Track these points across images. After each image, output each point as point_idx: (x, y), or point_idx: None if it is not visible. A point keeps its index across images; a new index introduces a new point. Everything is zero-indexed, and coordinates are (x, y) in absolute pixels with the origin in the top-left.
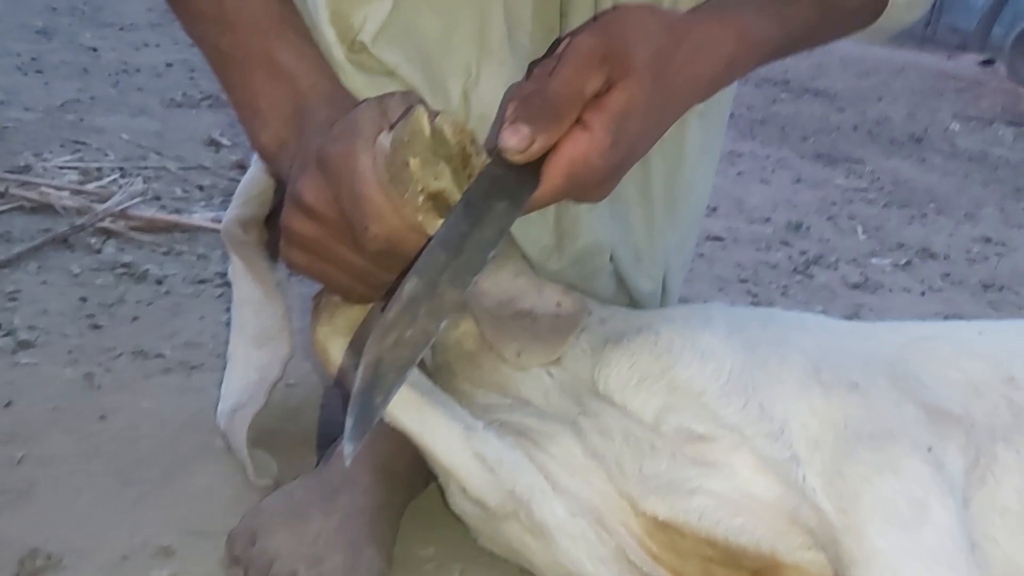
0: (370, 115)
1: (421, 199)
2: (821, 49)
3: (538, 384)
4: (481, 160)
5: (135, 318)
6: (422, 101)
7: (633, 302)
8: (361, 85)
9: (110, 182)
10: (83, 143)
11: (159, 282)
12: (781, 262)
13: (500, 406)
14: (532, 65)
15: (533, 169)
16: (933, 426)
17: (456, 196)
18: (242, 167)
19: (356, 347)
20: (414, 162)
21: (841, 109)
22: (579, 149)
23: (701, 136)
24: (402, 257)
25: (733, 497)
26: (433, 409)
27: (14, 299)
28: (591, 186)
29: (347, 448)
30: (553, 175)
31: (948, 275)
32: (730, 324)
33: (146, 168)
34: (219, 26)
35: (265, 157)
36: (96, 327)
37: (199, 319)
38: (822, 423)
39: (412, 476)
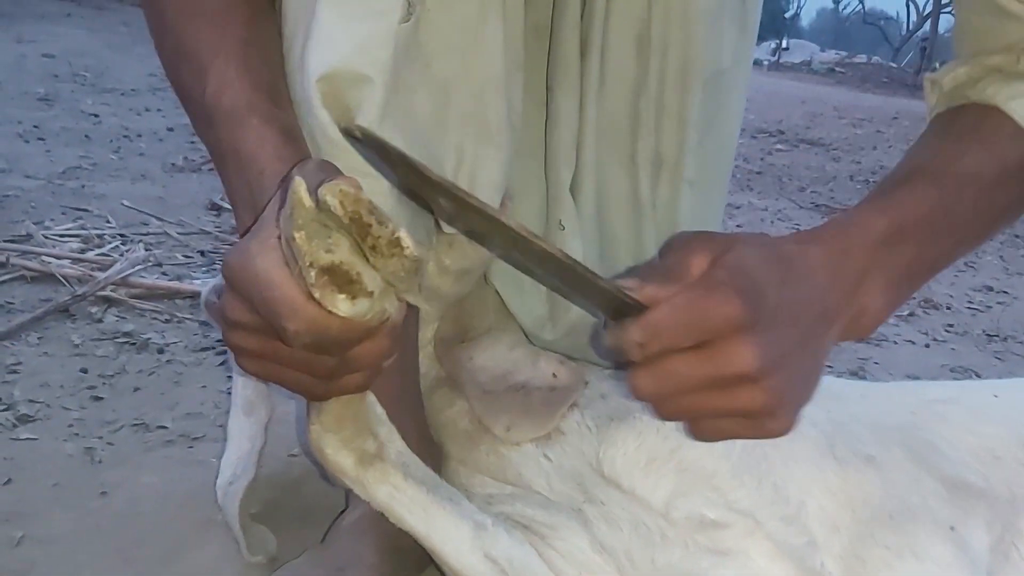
0: (273, 207)
1: (314, 274)
2: (813, 98)
3: (537, 468)
4: (386, 230)
5: (136, 388)
6: (326, 171)
7: None
8: (359, 164)
9: (111, 249)
10: (84, 210)
11: (160, 351)
12: None
13: (501, 496)
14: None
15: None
16: (954, 501)
17: (357, 268)
18: None
19: (352, 447)
20: (299, 236)
21: (837, 159)
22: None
23: (694, 204)
24: (332, 343)
25: None
26: (440, 508)
27: (14, 371)
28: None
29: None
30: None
31: (952, 326)
32: None
33: (147, 234)
34: (205, 122)
35: None
36: (97, 399)
37: (201, 388)
38: (839, 503)
39: (419, 553)
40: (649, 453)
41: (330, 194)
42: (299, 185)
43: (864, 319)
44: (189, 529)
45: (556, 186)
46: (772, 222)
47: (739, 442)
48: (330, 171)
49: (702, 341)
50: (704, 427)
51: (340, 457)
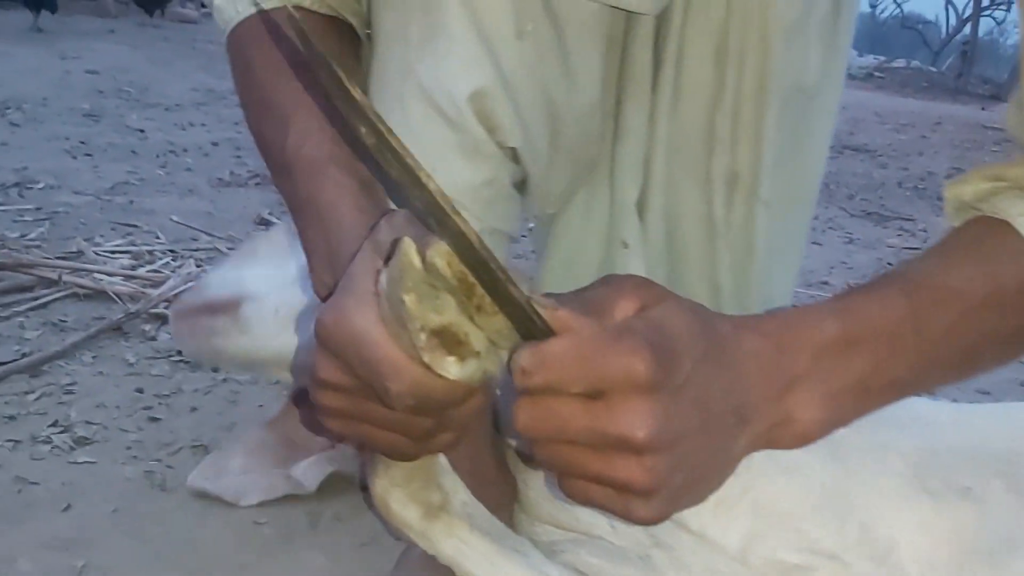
0: (363, 261)
1: (424, 338)
2: (854, 104)
3: (599, 516)
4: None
5: (193, 408)
6: (416, 225)
7: None
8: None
9: (162, 265)
10: (134, 226)
11: (215, 369)
12: None
13: (564, 543)
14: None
15: None
16: None
17: (464, 328)
18: None
19: (419, 500)
20: (409, 299)
21: (884, 165)
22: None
23: (771, 226)
24: (435, 405)
25: None
26: (507, 560)
27: (70, 392)
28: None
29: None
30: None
31: None
32: None
33: (197, 250)
34: (283, 172)
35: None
36: (154, 419)
37: (258, 408)
38: (934, 540)
39: None
40: (718, 493)
41: (439, 256)
42: (409, 247)
43: (791, 429)
44: (253, 555)
45: (621, 203)
46: (824, 231)
47: (819, 478)
48: (403, 229)
49: (595, 390)
50: (570, 485)
51: (407, 512)
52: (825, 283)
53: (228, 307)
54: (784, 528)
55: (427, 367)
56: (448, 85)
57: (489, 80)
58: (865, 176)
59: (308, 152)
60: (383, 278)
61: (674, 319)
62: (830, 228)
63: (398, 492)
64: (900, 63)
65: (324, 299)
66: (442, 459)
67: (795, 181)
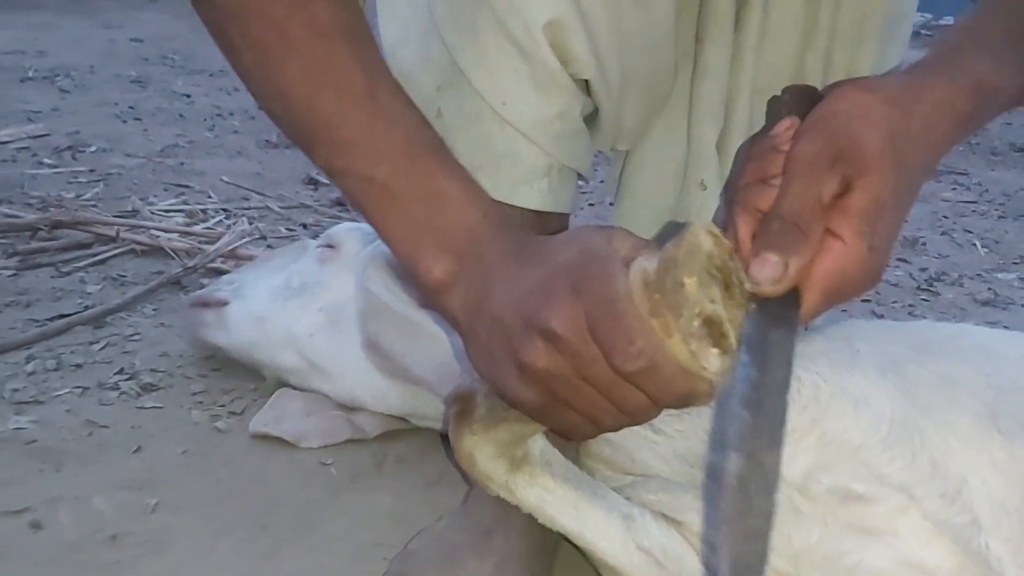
0: (622, 237)
1: (697, 324)
2: (904, 62)
3: (651, 451)
4: (741, 277)
5: None
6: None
7: None
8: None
9: (216, 223)
10: (186, 186)
11: None
12: (902, 280)
13: (622, 486)
14: (742, 148)
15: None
16: None
17: (728, 321)
18: (341, 204)
19: (507, 455)
20: (690, 282)
21: None
22: (834, 262)
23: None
24: (655, 384)
25: (900, 572)
26: (589, 504)
27: (133, 342)
28: (852, 292)
29: None
30: (812, 293)
31: None
32: (880, 358)
33: (249, 208)
34: (372, 156)
35: (432, 291)
36: (216, 370)
37: None
38: (1007, 480)
39: None
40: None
41: (710, 237)
42: (699, 229)
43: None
44: (321, 495)
45: (700, 143)
46: None
47: (889, 412)
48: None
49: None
50: None
51: (493, 465)
52: None
53: (217, 304)
54: (852, 460)
55: (687, 358)
56: (523, 14)
57: (564, 10)
58: None
59: (409, 136)
60: (645, 261)
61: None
62: None
63: (488, 448)
64: (948, 21)
65: (448, 287)
66: None
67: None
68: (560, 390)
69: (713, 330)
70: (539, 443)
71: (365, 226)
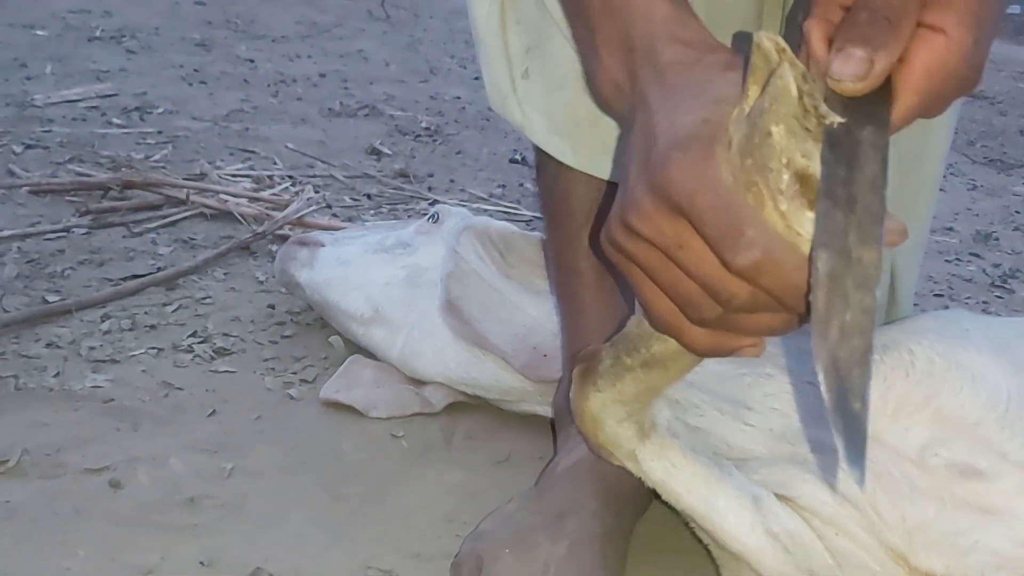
0: (729, 96)
1: (786, 178)
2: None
3: (745, 436)
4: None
5: (324, 326)
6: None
7: None
8: None
9: (282, 190)
10: (252, 151)
11: None
12: (975, 275)
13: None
14: None
15: (883, 87)
16: None
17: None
18: (405, 176)
19: (635, 419)
20: (777, 131)
21: (1003, 113)
22: (935, 56)
23: (946, 122)
24: (773, 277)
25: (1020, 554)
26: (719, 483)
27: (205, 305)
28: (955, 93)
29: (855, 474)
30: (909, 93)
31: None
32: (991, 339)
33: (314, 176)
34: None
35: (604, 106)
36: (287, 336)
37: None
38: None
39: (637, 499)
40: (899, 400)
41: (795, 75)
42: (788, 72)
43: None
44: (393, 467)
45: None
46: (946, 176)
47: (1006, 389)
48: (778, 53)
49: None
50: None
51: (621, 430)
52: (950, 229)
53: (314, 244)
54: (970, 436)
55: (781, 222)
56: None
57: None
58: (984, 123)
59: None
60: (743, 114)
61: None
62: (952, 175)
63: (618, 409)
64: (1015, 9)
65: (608, 98)
66: None
67: None
68: (651, 270)
69: (807, 189)
70: (665, 414)
71: (467, 211)
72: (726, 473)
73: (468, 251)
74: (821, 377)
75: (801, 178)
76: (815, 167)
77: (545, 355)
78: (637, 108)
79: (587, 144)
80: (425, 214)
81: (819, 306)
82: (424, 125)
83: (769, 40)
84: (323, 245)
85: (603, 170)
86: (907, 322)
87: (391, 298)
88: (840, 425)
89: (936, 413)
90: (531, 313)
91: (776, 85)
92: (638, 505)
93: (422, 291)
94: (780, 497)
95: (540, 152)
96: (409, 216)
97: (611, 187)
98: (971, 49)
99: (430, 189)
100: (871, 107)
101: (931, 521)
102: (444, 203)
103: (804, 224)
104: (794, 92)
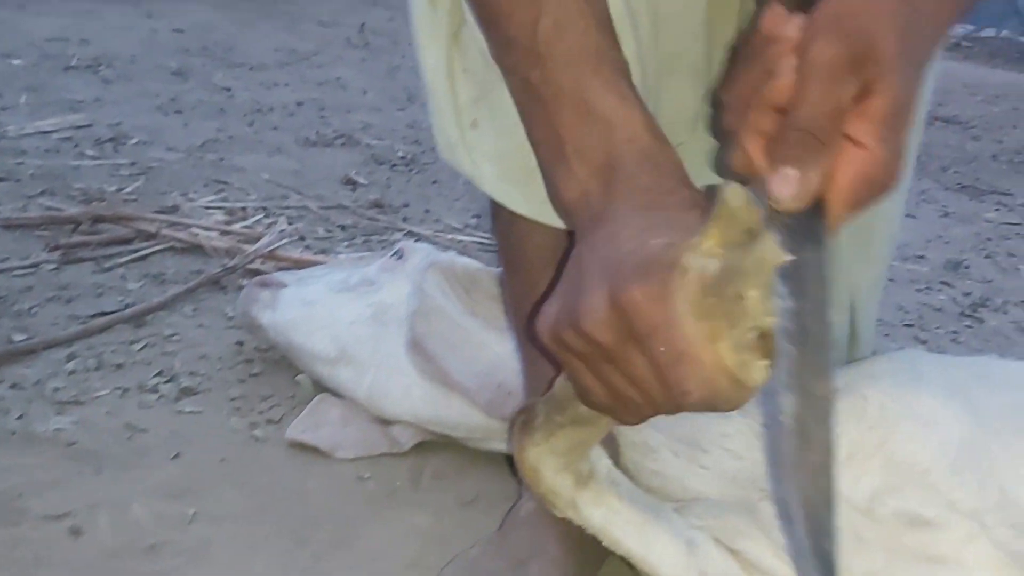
0: (680, 224)
1: (752, 336)
2: (941, 73)
3: (700, 479)
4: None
5: (292, 364)
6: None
7: None
8: None
9: (255, 222)
10: (225, 182)
11: None
12: (945, 305)
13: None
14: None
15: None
16: None
17: (775, 335)
18: (379, 206)
19: (572, 469)
20: (752, 296)
21: (976, 138)
22: (858, 169)
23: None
24: (711, 406)
25: None
26: (655, 527)
27: (174, 341)
28: (876, 199)
29: None
30: (838, 205)
31: None
32: (946, 383)
33: (288, 208)
34: (530, 57)
35: (563, 211)
36: (254, 375)
37: None
38: None
39: (600, 544)
40: (851, 445)
41: (776, 248)
42: (771, 240)
43: None
44: (359, 510)
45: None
46: (918, 204)
47: (957, 434)
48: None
49: None
50: None
51: (558, 480)
52: (921, 257)
53: (276, 285)
54: (920, 484)
55: (733, 365)
56: None
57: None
58: (958, 148)
59: (571, 41)
60: (709, 261)
61: None
62: (924, 201)
63: (554, 460)
64: (989, 32)
65: (574, 207)
66: None
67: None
68: (591, 368)
69: (764, 345)
70: (605, 462)
71: (432, 247)
72: (663, 518)
73: (433, 288)
74: (798, 524)
75: (763, 335)
76: (774, 324)
77: (510, 392)
78: (604, 220)
79: (539, 192)
80: (392, 248)
81: (787, 449)
82: (401, 154)
83: (736, 196)
84: (285, 286)
85: (556, 218)
86: (863, 365)
87: (357, 337)
88: (815, 564)
89: (887, 460)
90: (496, 350)
91: (757, 254)
92: (601, 551)
93: (388, 329)
94: (727, 549)
95: (494, 201)
96: (383, 247)
97: (569, 235)
98: (890, 159)
99: (405, 220)
100: (807, 223)
101: (879, 571)
102: (411, 239)
103: (757, 372)
104: (774, 263)
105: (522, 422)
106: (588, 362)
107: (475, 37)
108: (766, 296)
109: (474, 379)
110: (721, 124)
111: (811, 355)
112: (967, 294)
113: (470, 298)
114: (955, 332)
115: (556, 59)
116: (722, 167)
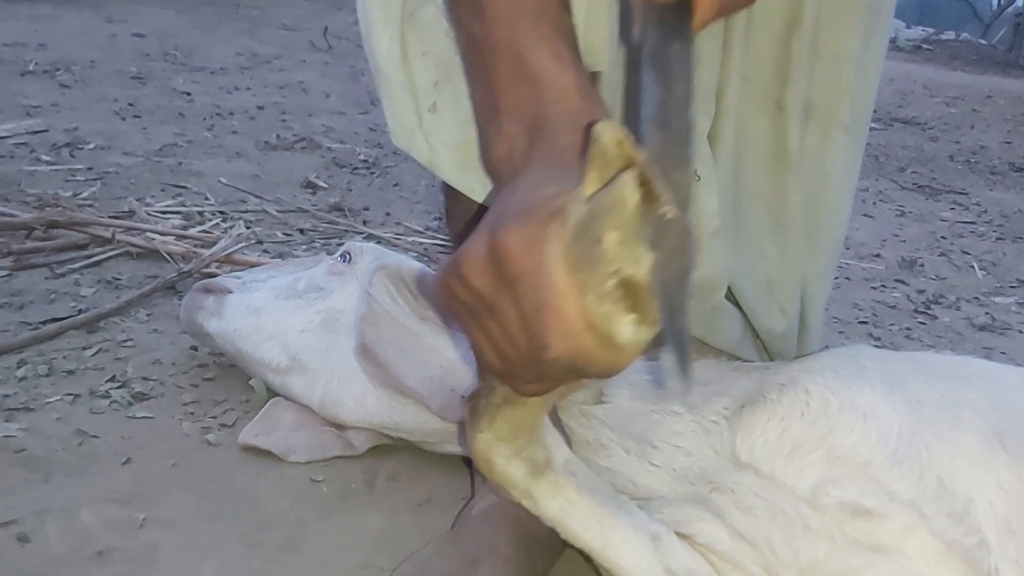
0: (558, 180)
1: (611, 284)
2: (902, 76)
3: (649, 476)
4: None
5: None
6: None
7: (764, 348)
8: None
9: (212, 226)
10: (183, 187)
11: None
12: (899, 302)
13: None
14: None
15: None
16: None
17: (648, 290)
18: (340, 209)
19: (524, 457)
20: (608, 239)
21: (934, 138)
22: None
23: (848, 151)
24: (575, 366)
25: None
26: (616, 521)
27: (127, 347)
28: (740, 7)
29: (683, 385)
30: (705, 7)
31: None
32: (887, 376)
33: (246, 212)
34: (474, 11)
35: (490, 171)
36: (208, 379)
37: None
38: (1012, 501)
39: (553, 541)
40: (794, 440)
41: (635, 187)
42: (629, 181)
43: None
44: (311, 513)
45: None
46: (875, 203)
47: (896, 427)
48: (630, 155)
49: None
50: None
51: (511, 468)
52: (877, 255)
53: (220, 291)
54: (861, 476)
55: (596, 318)
56: None
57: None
58: (915, 149)
59: None
60: (578, 207)
61: None
62: (881, 201)
63: (503, 447)
64: (949, 35)
65: (500, 167)
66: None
67: (865, 104)
68: (477, 322)
69: (630, 295)
70: (563, 451)
71: (382, 247)
72: (625, 511)
73: (381, 293)
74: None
75: (626, 284)
76: (642, 274)
77: (463, 397)
78: (517, 177)
79: None
80: (337, 250)
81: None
82: (362, 157)
83: (608, 134)
84: (230, 291)
85: None
86: (807, 360)
87: (307, 346)
88: (671, 343)
89: (829, 453)
90: (447, 355)
91: (613, 193)
92: (553, 548)
93: (339, 336)
94: (679, 535)
95: (449, 192)
96: None
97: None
98: None
99: (365, 223)
100: (675, 20)
101: (823, 559)
102: (371, 241)
103: (622, 327)
104: (631, 204)
105: (470, 410)
106: (472, 314)
107: (439, 18)
108: (628, 239)
109: (426, 384)
110: None
111: (673, 144)
112: (921, 291)
113: (418, 302)
114: (908, 328)
115: (496, 12)
116: None
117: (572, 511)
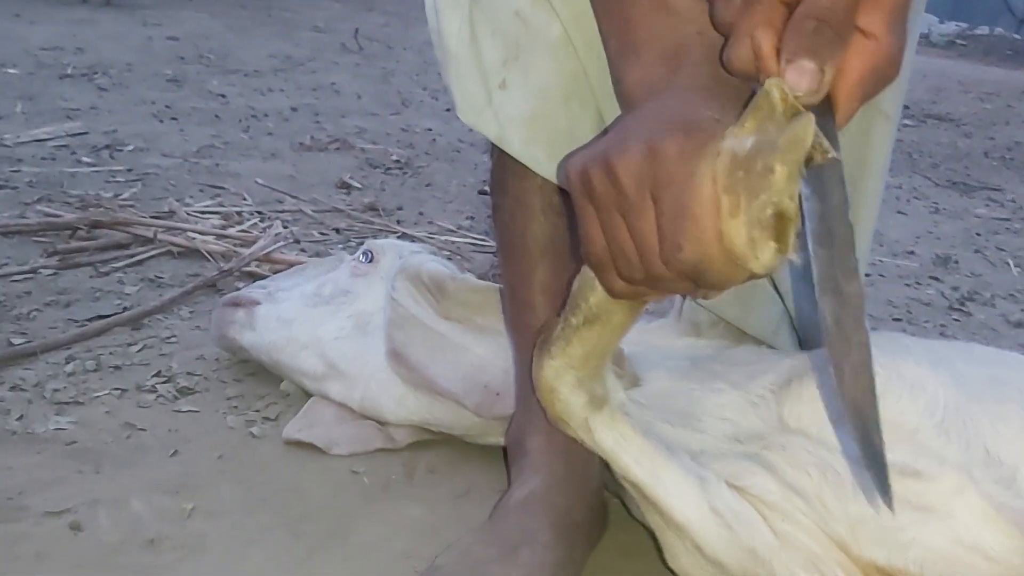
0: (719, 108)
1: (770, 213)
2: (935, 72)
3: (699, 441)
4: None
5: None
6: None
7: (799, 341)
8: None
9: (250, 226)
10: (221, 187)
11: None
12: (934, 299)
13: None
14: None
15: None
16: None
17: (793, 224)
18: (374, 209)
19: (586, 388)
20: (780, 170)
21: (968, 135)
22: (868, 62)
23: (888, 138)
24: (702, 279)
25: (955, 551)
26: (666, 459)
27: (171, 343)
28: (881, 90)
29: (884, 500)
30: (848, 99)
31: None
32: (930, 356)
33: (283, 211)
34: None
35: (623, 95)
36: (250, 374)
37: None
38: None
39: (591, 528)
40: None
41: (812, 131)
42: (810, 122)
43: None
44: (354, 504)
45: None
46: (908, 200)
47: (943, 398)
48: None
49: None
50: None
51: (575, 397)
52: (911, 252)
53: (249, 304)
54: (910, 441)
55: (740, 246)
56: None
57: None
58: (949, 145)
59: None
60: (741, 138)
61: None
62: (915, 198)
63: (569, 376)
64: (983, 30)
65: (639, 98)
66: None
67: (900, 93)
68: (606, 217)
69: (779, 226)
70: (620, 395)
71: (402, 242)
72: (676, 454)
73: (405, 297)
74: (849, 422)
75: (780, 216)
76: (795, 209)
77: (498, 393)
78: (665, 94)
79: (562, 156)
80: (357, 252)
81: (831, 352)
82: (394, 158)
83: (778, 90)
84: (258, 303)
85: None
86: None
87: (344, 353)
88: (866, 460)
89: None
90: (477, 352)
91: (793, 131)
92: (591, 536)
93: (372, 340)
94: (729, 486)
95: (497, 189)
96: None
97: (571, 222)
98: (896, 49)
99: (399, 222)
100: (819, 119)
101: (873, 516)
102: (407, 240)
103: (766, 252)
104: (807, 143)
105: (540, 340)
106: (601, 207)
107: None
108: (793, 175)
109: (459, 384)
110: (720, 17)
111: (840, 256)
112: (955, 288)
113: (441, 304)
114: (943, 326)
115: None
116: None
117: (625, 446)
